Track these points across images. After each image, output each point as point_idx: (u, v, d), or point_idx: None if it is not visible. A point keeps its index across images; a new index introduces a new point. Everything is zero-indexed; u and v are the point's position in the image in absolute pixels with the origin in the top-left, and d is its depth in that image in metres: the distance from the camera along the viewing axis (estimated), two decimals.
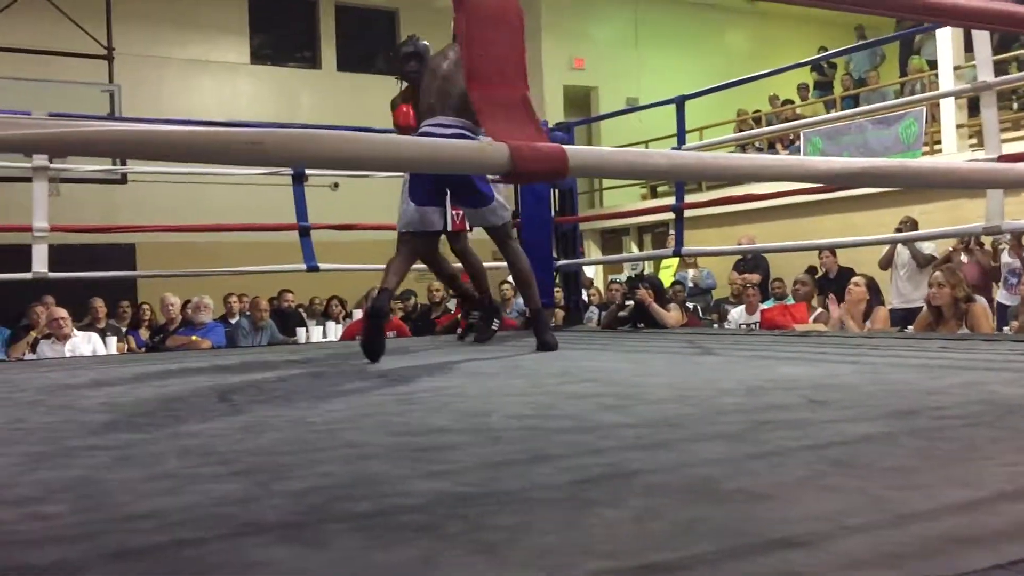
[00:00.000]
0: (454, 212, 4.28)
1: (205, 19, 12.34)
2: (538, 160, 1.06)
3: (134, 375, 3.40)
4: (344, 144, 0.95)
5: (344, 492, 1.31)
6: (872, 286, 5.83)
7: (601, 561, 0.94)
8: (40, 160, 4.42)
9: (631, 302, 5.32)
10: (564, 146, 1.09)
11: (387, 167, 1.04)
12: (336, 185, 11.25)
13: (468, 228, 4.38)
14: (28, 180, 4.29)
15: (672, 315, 5.41)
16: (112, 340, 6.73)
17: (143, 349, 7.50)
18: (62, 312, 6.20)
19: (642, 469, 1.38)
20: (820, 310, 5.97)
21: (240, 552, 1.02)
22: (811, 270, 7.99)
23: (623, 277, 9.32)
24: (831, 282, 7.27)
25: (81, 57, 11.01)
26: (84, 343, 6.16)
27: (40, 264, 4.37)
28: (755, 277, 8.67)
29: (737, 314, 7.04)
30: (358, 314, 8.73)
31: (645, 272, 8.67)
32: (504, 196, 3.99)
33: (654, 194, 13.55)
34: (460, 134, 3.62)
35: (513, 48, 1.10)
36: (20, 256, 5.29)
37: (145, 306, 8.94)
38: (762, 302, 7.14)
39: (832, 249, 7.23)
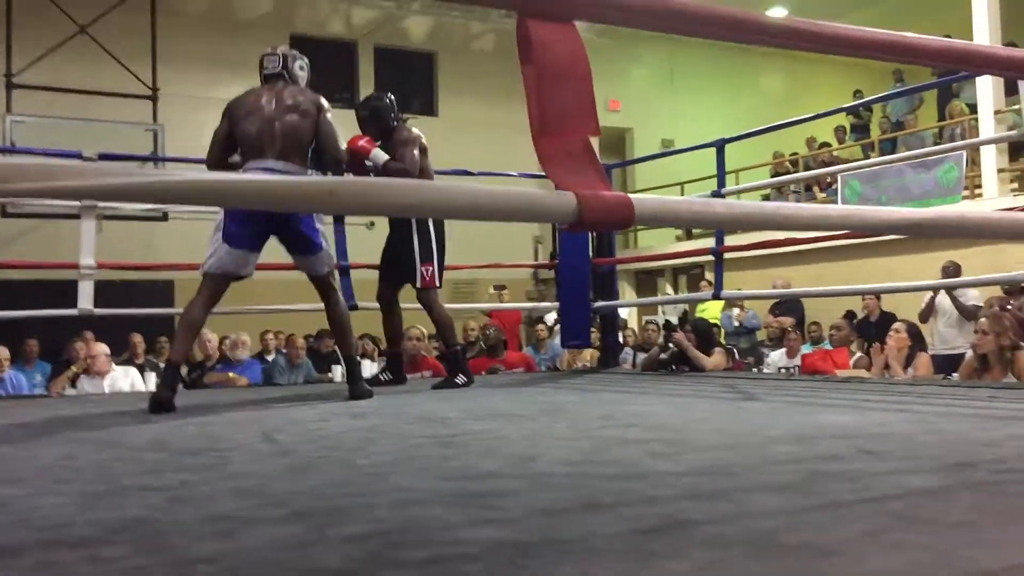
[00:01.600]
0: (424, 268, 4.47)
1: (247, 59, 12.56)
2: (605, 209, 1.06)
3: (178, 413, 3.42)
4: (416, 192, 0.96)
5: (400, 539, 1.30)
6: (914, 332, 5.76)
7: None
8: (88, 199, 4.50)
9: (671, 345, 5.29)
10: (630, 195, 1.09)
11: (456, 215, 1.05)
12: (372, 224, 11.33)
13: (437, 284, 4.56)
14: (69, 217, 4.37)
15: (713, 359, 5.37)
16: (151, 376, 6.79)
17: (181, 385, 7.55)
18: (102, 348, 6.27)
19: (700, 520, 1.37)
20: (860, 355, 5.89)
21: None
22: (849, 315, 7.90)
23: (660, 318, 9.27)
24: (872, 326, 7.18)
25: (126, 97, 11.26)
26: (123, 377, 6.22)
27: (86, 300, 4.43)
28: (789, 320, 8.60)
29: (777, 357, 6.96)
30: None
31: (688, 314, 8.60)
32: (328, 245, 3.91)
33: (689, 235, 13.51)
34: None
35: (581, 97, 1.11)
36: (59, 291, 5.38)
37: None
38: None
39: (876, 292, 7.15)
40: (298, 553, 1.23)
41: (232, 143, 3.78)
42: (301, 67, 3.92)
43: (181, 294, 11.21)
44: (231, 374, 6.79)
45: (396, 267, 4.62)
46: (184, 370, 8.30)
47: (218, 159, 3.83)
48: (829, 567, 1.10)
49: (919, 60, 2.05)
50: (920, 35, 1.72)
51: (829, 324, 7.45)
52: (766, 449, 2.11)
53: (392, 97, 4.71)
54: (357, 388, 3.85)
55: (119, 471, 1.99)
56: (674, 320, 6.31)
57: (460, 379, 4.50)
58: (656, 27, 1.24)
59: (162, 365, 8.28)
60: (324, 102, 3.82)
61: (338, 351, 4.13)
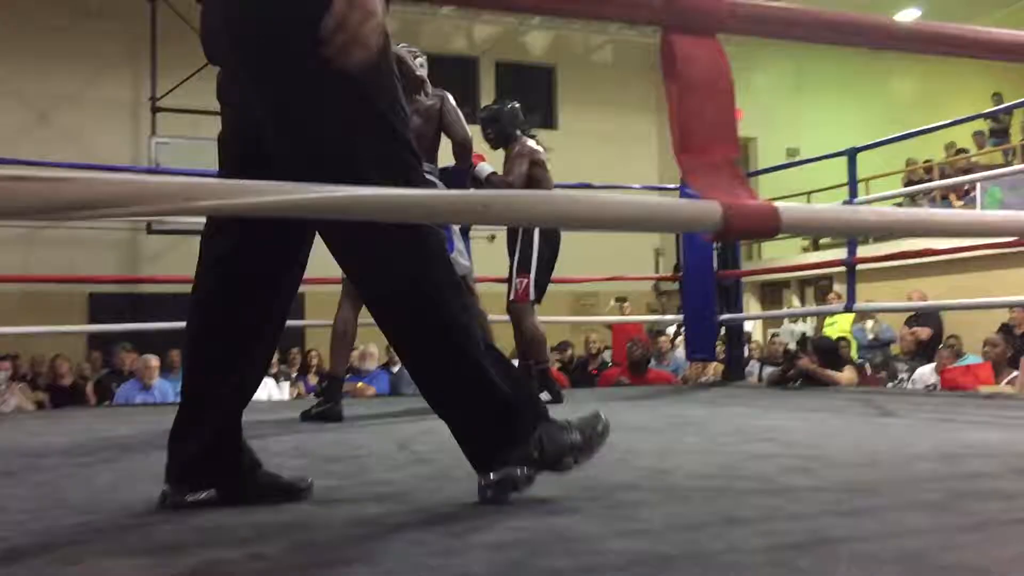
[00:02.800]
0: (518, 280, 4.42)
1: None
2: (751, 218, 1.06)
3: (312, 422, 3.54)
4: (566, 204, 0.99)
5: (542, 548, 1.32)
6: None
7: None
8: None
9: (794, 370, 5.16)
10: (776, 203, 1.09)
11: (606, 227, 1.06)
12: (493, 237, 11.47)
13: (531, 298, 4.46)
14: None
15: (844, 375, 5.22)
16: (285, 385, 7.05)
17: (312, 395, 7.82)
18: (155, 360, 6.59)
19: (847, 537, 1.34)
20: (1016, 373, 5.54)
21: None
22: (1005, 328, 7.52)
23: (784, 331, 9.05)
24: (1019, 340, 6.82)
25: None
26: (261, 387, 6.49)
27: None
28: (926, 331, 8.24)
29: (926, 373, 6.58)
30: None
31: (808, 332, 8.37)
32: (459, 251, 3.87)
33: (816, 246, 13.15)
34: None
35: (724, 113, 1.12)
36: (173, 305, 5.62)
37: (312, 352, 9.33)
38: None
39: None
40: (444, 559, 1.26)
41: None
42: (421, 64, 4.04)
43: (312, 306, 11.61)
44: (360, 384, 6.99)
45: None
46: (314, 380, 8.63)
47: None
48: None
49: None
50: None
51: (968, 337, 7.11)
52: (909, 466, 2.04)
53: (517, 106, 4.68)
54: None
55: None
56: (793, 346, 6.15)
57: (545, 395, 4.36)
58: (800, 38, 1.24)
59: (294, 375, 8.59)
60: (446, 94, 3.98)
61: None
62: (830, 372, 5.14)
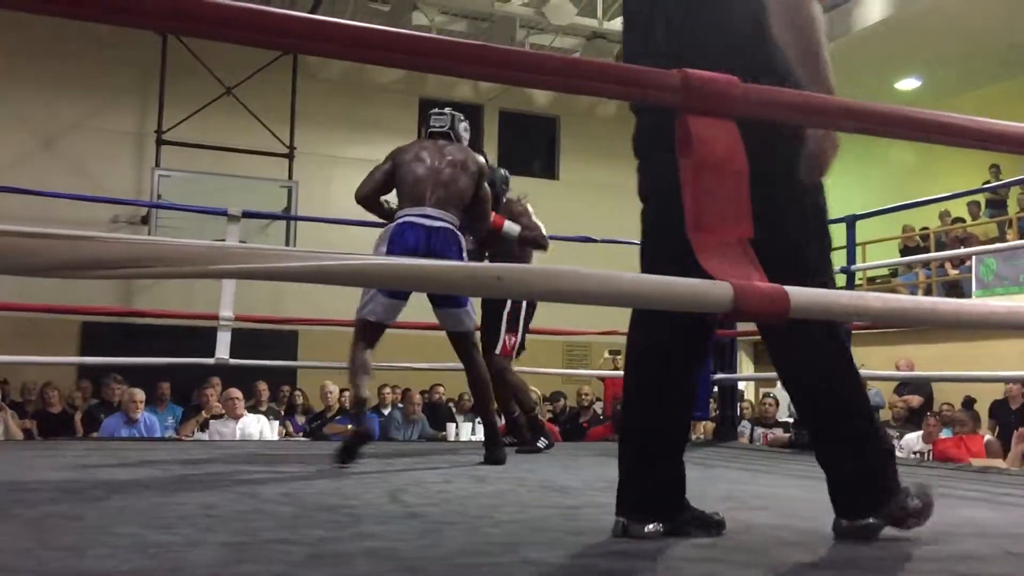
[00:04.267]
0: (507, 336, 4.55)
1: (378, 122, 13.05)
2: (760, 300, 1.07)
3: (301, 463, 3.52)
4: (579, 280, 1.00)
5: None
6: None
7: None
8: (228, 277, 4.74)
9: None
10: (786, 287, 1.11)
11: (618, 302, 1.08)
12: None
13: (514, 355, 4.62)
14: None
15: None
16: (275, 424, 7.01)
17: (300, 434, 7.77)
18: (237, 393, 6.57)
19: None
20: (990, 438, 5.55)
21: None
22: (968, 402, 7.54)
23: (776, 392, 9.02)
24: (1013, 414, 6.83)
25: (264, 155, 11.82)
26: (253, 424, 6.48)
27: (223, 350, 4.64)
28: (916, 399, 8.25)
29: (912, 440, 6.64)
30: None
31: None
32: (471, 304, 3.95)
33: None
34: (448, 228, 3.80)
35: (737, 193, 1.13)
36: (189, 335, 5.63)
37: (298, 392, 9.32)
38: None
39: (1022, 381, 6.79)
40: None
41: (390, 183, 3.94)
42: (465, 128, 4.14)
43: (304, 345, 11.60)
44: (350, 426, 6.94)
45: (484, 330, 4.60)
46: (302, 419, 8.59)
47: (371, 193, 3.98)
48: None
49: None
50: None
51: (958, 408, 7.12)
52: (903, 545, 2.03)
53: (505, 172, 4.91)
54: (494, 453, 3.85)
55: (258, 524, 2.07)
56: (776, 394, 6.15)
57: (542, 442, 4.60)
58: (812, 124, 1.26)
59: (282, 413, 8.55)
60: (485, 166, 4.03)
61: (481, 415, 4.15)
62: None
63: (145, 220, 11.22)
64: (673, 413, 2.06)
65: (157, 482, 2.83)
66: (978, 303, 1.32)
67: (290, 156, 12.04)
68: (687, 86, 1.15)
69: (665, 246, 1.89)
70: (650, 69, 1.20)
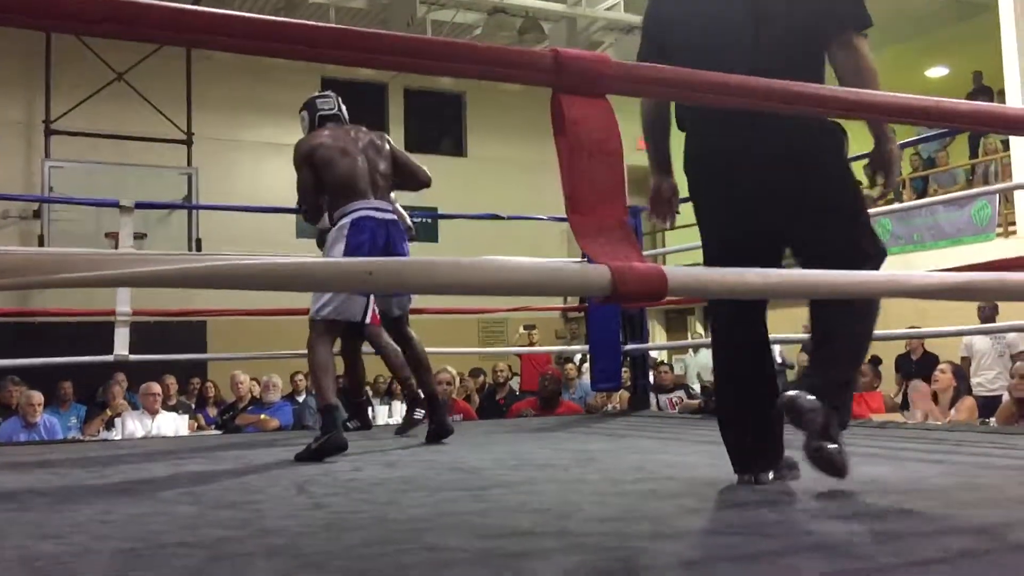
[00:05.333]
0: (373, 306, 4.20)
1: (279, 103, 12.77)
2: (638, 282, 1.07)
3: (209, 459, 3.44)
4: (452, 271, 0.98)
5: None
6: (959, 373, 5.69)
7: None
8: (127, 246, 4.59)
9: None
10: (663, 267, 1.10)
11: (494, 291, 1.07)
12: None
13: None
14: None
15: None
16: (184, 418, 6.85)
17: (212, 427, 7.60)
18: (156, 388, 6.44)
19: None
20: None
21: None
22: (874, 360, 7.79)
23: (705, 367, 9.18)
24: (913, 364, 7.10)
25: (161, 142, 11.46)
26: (167, 420, 6.35)
27: (122, 347, 4.49)
28: None
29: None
30: None
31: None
32: None
33: None
34: (396, 219, 3.80)
35: (613, 173, 1.13)
36: (92, 334, 5.44)
37: (209, 384, 9.11)
38: None
39: (921, 336, 7.05)
40: None
41: (321, 188, 3.79)
42: (342, 105, 4.05)
43: (214, 336, 11.34)
44: (263, 416, 6.83)
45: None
46: (214, 412, 8.41)
47: (315, 206, 3.88)
48: None
49: (941, 123, 2.07)
50: (938, 99, 1.72)
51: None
52: (804, 504, 2.09)
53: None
54: (440, 425, 3.88)
55: (155, 527, 2.00)
56: (708, 376, 6.27)
57: (419, 413, 4.29)
58: (687, 99, 1.26)
59: (193, 407, 8.35)
60: (385, 135, 4.01)
61: (419, 390, 4.10)
62: None
63: (37, 214, 10.79)
64: (767, 374, 2.39)
65: (50, 488, 2.73)
66: (855, 274, 1.35)
67: (188, 142, 11.71)
68: (559, 66, 1.13)
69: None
70: (523, 49, 1.18)
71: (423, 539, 1.78)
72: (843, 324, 2.23)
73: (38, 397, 6.09)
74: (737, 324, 2.37)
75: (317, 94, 4.09)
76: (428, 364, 4.04)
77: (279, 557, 1.65)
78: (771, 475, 2.31)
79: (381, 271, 0.94)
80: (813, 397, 2.09)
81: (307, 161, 3.77)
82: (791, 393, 2.13)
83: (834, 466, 2.08)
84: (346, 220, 3.68)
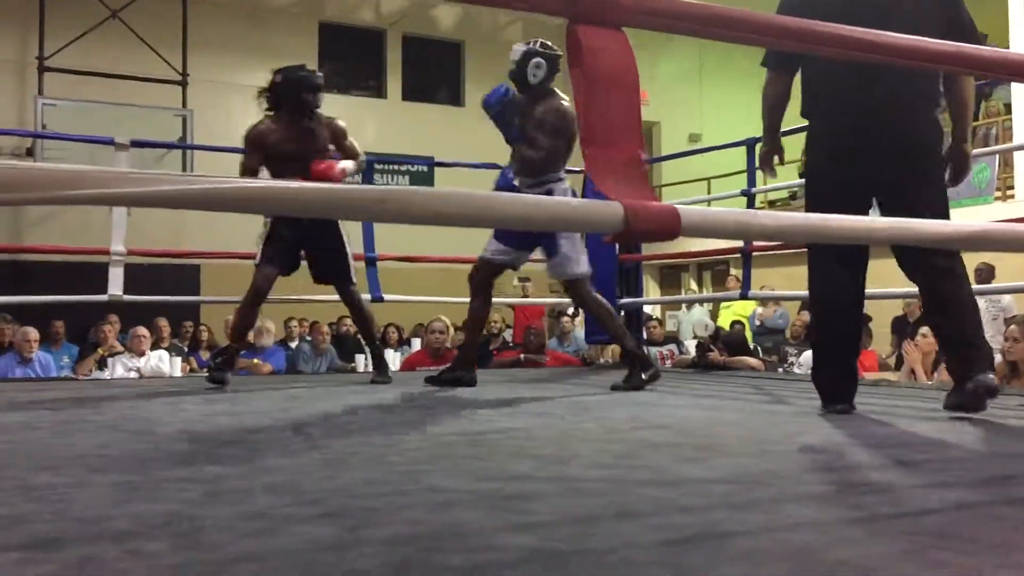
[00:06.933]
0: (353, 263, 4.30)
1: (276, 47, 12.61)
2: (651, 220, 1.05)
3: (205, 400, 3.45)
4: (466, 202, 0.96)
5: (434, 543, 1.31)
6: None
7: None
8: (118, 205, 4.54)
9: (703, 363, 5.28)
10: (677, 206, 1.09)
11: (505, 224, 1.05)
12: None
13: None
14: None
15: (754, 362, 5.39)
16: (177, 360, 6.85)
17: (205, 369, 7.61)
18: (144, 331, 6.42)
19: (735, 531, 1.36)
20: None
21: None
22: (864, 318, 7.82)
23: (698, 323, 9.19)
24: (910, 326, 7.11)
25: (156, 82, 11.31)
26: (156, 360, 6.33)
27: (116, 287, 4.47)
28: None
29: (807, 359, 6.86)
30: (417, 343, 8.78)
31: (712, 326, 8.49)
32: (571, 247, 3.98)
33: None
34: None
35: (629, 109, 1.10)
36: (84, 273, 5.42)
37: (203, 327, 9.11)
38: None
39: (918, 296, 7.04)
40: (334, 555, 1.23)
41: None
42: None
43: (208, 280, 11.31)
44: (256, 360, 6.84)
45: (322, 263, 4.28)
46: (206, 355, 8.41)
47: None
48: None
49: (943, 66, 2.04)
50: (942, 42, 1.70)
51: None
52: (798, 457, 2.10)
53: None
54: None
55: (153, 462, 2.00)
56: (702, 332, 6.28)
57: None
58: (704, 35, 1.24)
59: (186, 349, 8.35)
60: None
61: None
62: (740, 359, 5.28)
63: (31, 152, 10.68)
64: (859, 317, 2.90)
65: (47, 423, 2.73)
66: (862, 219, 1.33)
67: (183, 83, 11.57)
68: None
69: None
70: None
71: (421, 481, 1.78)
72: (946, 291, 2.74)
73: (34, 333, 6.08)
74: (838, 272, 2.81)
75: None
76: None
77: (278, 493, 1.65)
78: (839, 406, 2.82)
79: (392, 199, 0.92)
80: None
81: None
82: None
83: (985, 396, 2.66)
84: None
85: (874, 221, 1.47)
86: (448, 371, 4.10)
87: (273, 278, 4.07)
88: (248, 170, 3.94)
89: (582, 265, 3.99)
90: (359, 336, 9.42)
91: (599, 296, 4.12)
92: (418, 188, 0.98)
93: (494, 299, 4.42)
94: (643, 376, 3.88)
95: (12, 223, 11.11)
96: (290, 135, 3.98)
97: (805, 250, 2.90)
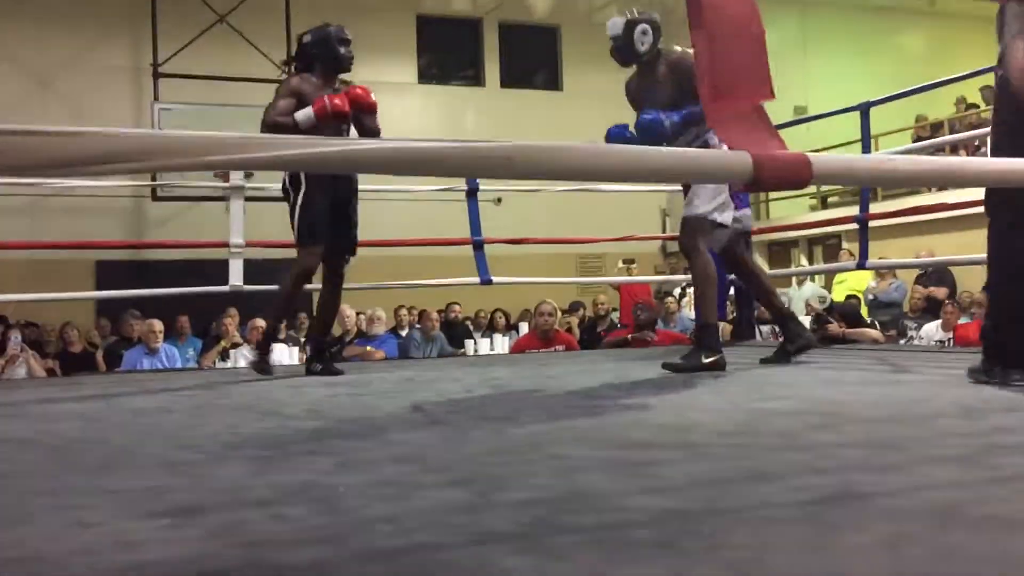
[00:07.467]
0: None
1: (376, 41, 12.80)
2: (781, 168, 1.03)
3: (325, 384, 3.53)
4: (588, 157, 0.95)
5: (565, 505, 1.31)
6: None
7: None
8: (237, 180, 4.69)
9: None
10: (808, 154, 1.06)
11: (637, 178, 1.04)
12: (499, 200, 11.43)
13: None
14: (215, 199, 4.42)
15: (874, 333, 5.23)
16: (295, 350, 7.05)
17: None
18: (261, 322, 6.61)
19: (875, 492, 1.32)
20: None
21: (485, 559, 1.03)
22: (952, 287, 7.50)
23: (813, 295, 8.95)
24: None
25: (264, 82, 11.63)
26: (276, 351, 6.52)
27: (236, 278, 4.62)
28: (942, 291, 8.19)
29: (932, 330, 6.61)
30: (524, 328, 8.82)
31: (819, 292, 8.28)
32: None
33: (824, 204, 13.07)
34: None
35: (756, 56, 1.08)
36: (204, 271, 5.61)
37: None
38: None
39: None
40: (468, 517, 1.25)
41: None
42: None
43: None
44: (368, 347, 6.98)
45: (343, 235, 3.97)
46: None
47: None
48: None
49: None
50: None
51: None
52: (932, 422, 2.02)
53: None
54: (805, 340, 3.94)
55: (283, 438, 2.07)
56: (817, 305, 6.11)
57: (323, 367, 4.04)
58: None
59: (302, 340, 8.58)
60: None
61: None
62: (861, 331, 5.13)
63: None
64: None
65: (181, 407, 2.84)
66: (1003, 161, 1.26)
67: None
68: None
69: None
70: None
71: (544, 450, 1.79)
72: None
73: (159, 324, 6.35)
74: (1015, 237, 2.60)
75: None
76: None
77: (405, 463, 1.68)
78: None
79: (519, 155, 0.92)
80: None
81: None
82: None
83: None
84: None
85: (1012, 162, 1.39)
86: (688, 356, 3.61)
87: (320, 256, 3.86)
88: (282, 112, 3.73)
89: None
90: (467, 323, 9.53)
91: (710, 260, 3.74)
92: (543, 143, 0.98)
93: (598, 279, 4.35)
94: (703, 360, 3.42)
95: (135, 225, 11.61)
96: (324, 93, 3.77)
97: (926, 219, 2.73)
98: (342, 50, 3.97)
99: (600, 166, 0.96)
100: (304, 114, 3.69)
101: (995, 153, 2.57)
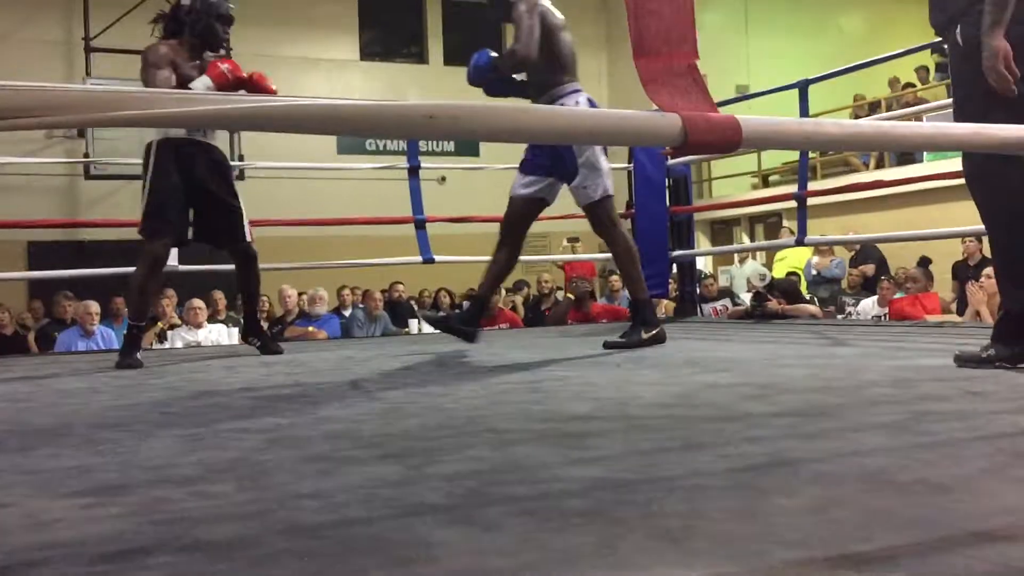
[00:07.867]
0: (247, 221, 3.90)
1: (317, 17, 12.62)
2: (711, 131, 1.01)
3: (262, 363, 3.48)
4: (515, 116, 0.93)
5: (498, 477, 1.29)
6: None
7: (792, 551, 0.89)
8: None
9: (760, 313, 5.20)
10: (738, 116, 1.05)
11: (560, 139, 1.01)
12: (443, 179, 11.36)
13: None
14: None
15: (812, 308, 5.30)
16: (234, 331, 6.93)
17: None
18: (199, 303, 6.49)
19: (806, 458, 1.33)
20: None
21: (413, 531, 1.01)
22: (924, 261, 7.64)
23: (753, 273, 9.06)
24: (970, 269, 6.93)
25: None
26: (214, 332, 6.42)
27: (172, 258, 4.50)
28: (870, 268, 8.36)
29: (869, 305, 6.74)
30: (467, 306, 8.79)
31: (767, 275, 8.37)
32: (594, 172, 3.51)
33: (766, 183, 13.22)
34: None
35: (682, 15, 1.06)
36: (136, 250, 5.47)
37: (264, 297, 9.19)
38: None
39: (978, 236, 6.81)
40: (399, 490, 1.22)
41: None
42: None
43: (261, 251, 11.43)
44: (311, 328, 6.90)
45: (214, 218, 3.78)
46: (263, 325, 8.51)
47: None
48: (953, 503, 1.05)
49: None
50: None
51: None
52: (864, 391, 2.05)
53: None
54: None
55: (214, 416, 2.02)
56: (758, 282, 6.19)
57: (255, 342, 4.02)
58: None
59: (241, 320, 8.45)
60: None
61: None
62: (800, 307, 5.20)
63: (82, 133, 10.85)
64: None
65: (111, 388, 2.77)
66: (932, 124, 1.26)
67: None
68: None
69: None
70: None
71: (480, 423, 1.77)
72: None
73: (95, 307, 6.20)
74: None
75: None
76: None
77: (337, 439, 1.65)
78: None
79: (442, 115, 0.89)
80: None
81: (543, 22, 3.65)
82: None
83: None
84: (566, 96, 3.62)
85: (946, 126, 1.39)
86: (443, 319, 3.83)
87: (170, 247, 3.70)
88: (166, 85, 3.47)
89: (601, 189, 3.54)
90: (412, 303, 9.47)
91: (628, 235, 3.71)
92: (466, 102, 0.95)
93: (543, 257, 4.34)
94: (643, 335, 3.42)
95: (70, 204, 11.32)
96: (193, 67, 3.58)
97: (860, 196, 2.66)
98: (219, 26, 3.67)
99: (522, 126, 0.94)
100: (203, 83, 3.49)
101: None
